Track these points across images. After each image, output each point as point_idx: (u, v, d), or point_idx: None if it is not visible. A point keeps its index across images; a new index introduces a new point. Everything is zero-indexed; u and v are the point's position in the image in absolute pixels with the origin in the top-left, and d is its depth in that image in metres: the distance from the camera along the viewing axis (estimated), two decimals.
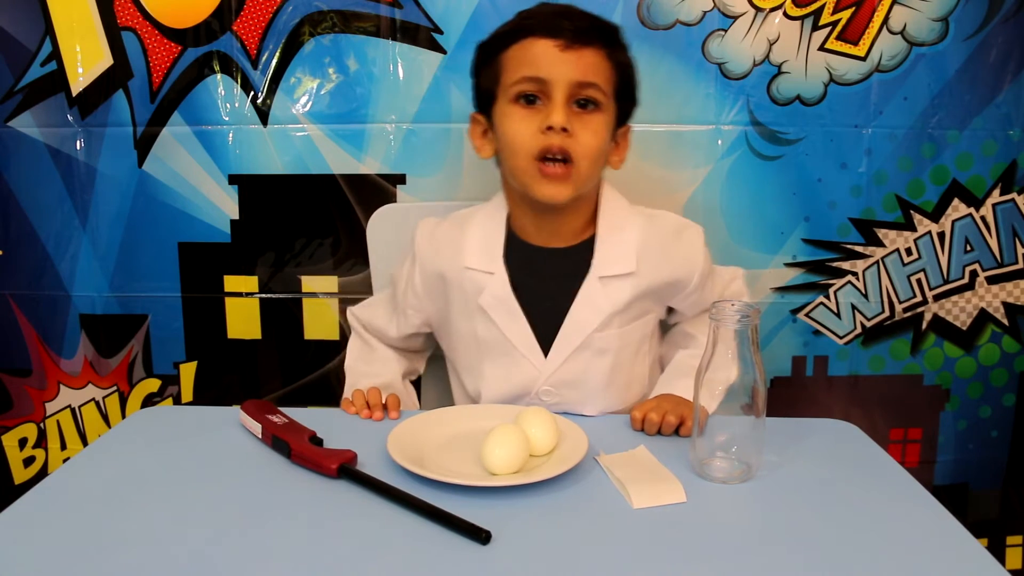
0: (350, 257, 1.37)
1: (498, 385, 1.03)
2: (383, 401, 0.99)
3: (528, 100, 0.95)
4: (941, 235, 1.36)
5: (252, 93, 1.32)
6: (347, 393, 1.06)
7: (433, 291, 1.06)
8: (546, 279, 1.01)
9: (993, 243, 1.37)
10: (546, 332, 1.01)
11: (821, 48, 1.28)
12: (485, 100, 1.01)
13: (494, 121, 0.99)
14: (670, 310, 1.11)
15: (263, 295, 1.39)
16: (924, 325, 1.39)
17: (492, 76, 0.98)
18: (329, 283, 1.38)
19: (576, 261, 1.01)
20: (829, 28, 1.27)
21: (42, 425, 1.46)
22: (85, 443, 1.46)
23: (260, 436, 0.87)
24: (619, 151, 1.03)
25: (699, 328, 1.08)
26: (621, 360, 1.02)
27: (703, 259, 1.04)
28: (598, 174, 1.00)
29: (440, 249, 1.05)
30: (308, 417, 0.89)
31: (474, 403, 1.07)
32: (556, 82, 0.93)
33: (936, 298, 1.38)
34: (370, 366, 1.12)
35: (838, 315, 1.38)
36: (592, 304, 0.99)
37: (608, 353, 1.01)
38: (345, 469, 0.78)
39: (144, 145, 1.33)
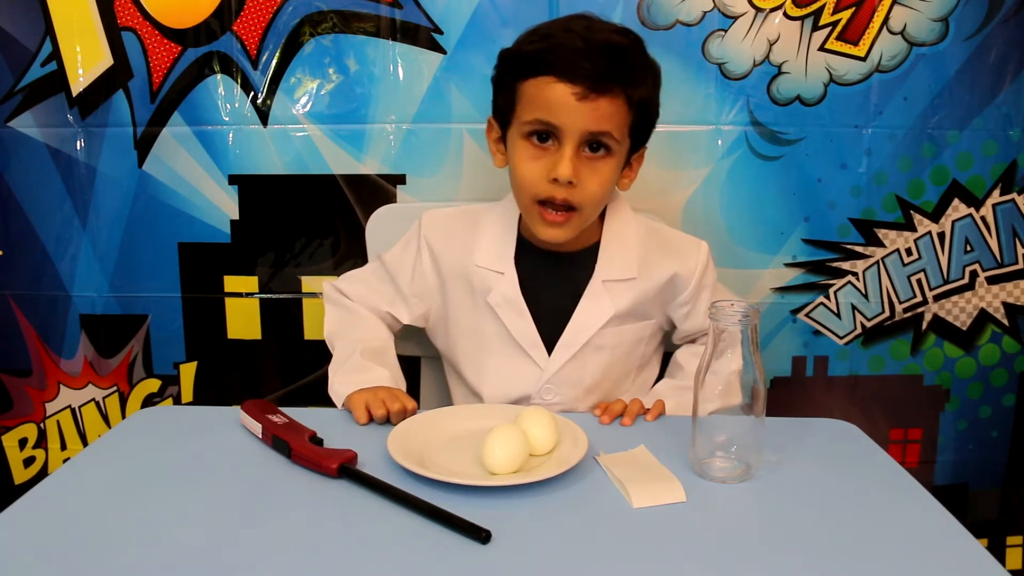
0: (350, 257, 1.37)
1: (501, 383, 1.05)
2: (389, 410, 0.93)
3: (540, 138, 0.95)
4: (941, 235, 1.36)
5: (252, 93, 1.32)
6: (341, 366, 1.01)
7: (443, 284, 1.07)
8: (552, 282, 1.04)
9: (993, 243, 1.37)
10: (547, 331, 1.03)
11: (821, 48, 1.28)
12: (500, 117, 1.01)
13: (507, 143, 1.00)
14: (674, 328, 1.12)
15: (263, 295, 1.39)
16: (924, 325, 1.39)
17: (507, 102, 0.98)
18: None
19: (581, 266, 1.04)
20: (829, 28, 1.27)
21: (42, 425, 1.46)
22: (85, 443, 1.46)
23: (260, 436, 0.87)
24: (630, 172, 1.04)
25: (689, 360, 1.10)
26: (616, 357, 1.06)
27: (704, 265, 1.06)
28: (601, 209, 1.02)
29: (452, 242, 1.06)
30: (308, 417, 0.89)
31: (475, 399, 1.08)
32: (568, 131, 0.92)
33: (936, 298, 1.38)
34: (359, 329, 1.08)
35: (838, 315, 1.38)
36: (596, 307, 1.02)
37: (605, 350, 1.04)
38: (345, 469, 0.78)
39: (144, 145, 1.33)
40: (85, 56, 1.31)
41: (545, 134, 0.95)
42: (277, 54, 1.30)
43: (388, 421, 0.92)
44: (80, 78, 1.32)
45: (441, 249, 1.07)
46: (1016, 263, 1.38)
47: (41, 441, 1.46)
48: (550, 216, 0.96)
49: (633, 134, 0.98)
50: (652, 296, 1.05)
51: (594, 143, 0.95)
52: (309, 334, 1.40)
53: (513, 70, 0.97)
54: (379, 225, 1.27)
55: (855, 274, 1.37)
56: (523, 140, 0.96)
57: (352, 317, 1.10)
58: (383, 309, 1.11)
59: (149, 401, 1.44)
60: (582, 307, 1.02)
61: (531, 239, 1.05)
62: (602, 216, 1.05)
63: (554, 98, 0.92)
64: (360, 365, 1.00)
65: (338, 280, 1.15)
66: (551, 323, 1.03)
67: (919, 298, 1.38)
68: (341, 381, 0.98)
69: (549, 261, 1.04)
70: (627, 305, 1.03)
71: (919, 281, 1.37)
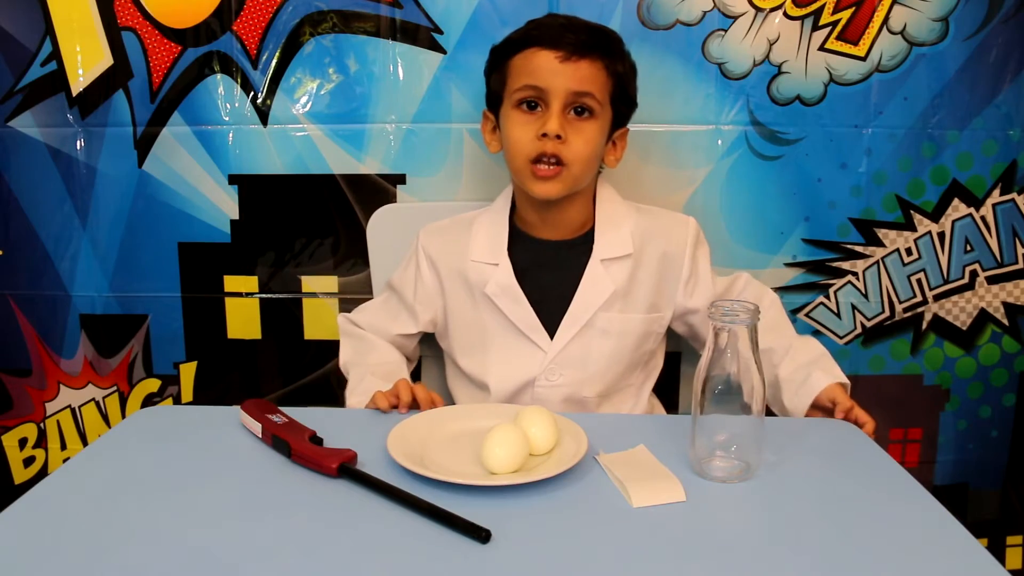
0: (350, 257, 1.37)
1: (505, 369, 1.08)
2: (411, 398, 0.97)
3: (529, 106, 1.03)
4: (941, 235, 1.36)
5: (252, 93, 1.32)
6: (355, 389, 1.05)
7: (442, 286, 1.12)
8: (550, 268, 1.08)
9: (993, 243, 1.37)
10: (551, 317, 1.07)
11: (821, 48, 1.28)
12: (494, 101, 1.08)
13: (500, 123, 1.07)
14: (685, 327, 1.14)
15: (263, 295, 1.39)
16: (924, 325, 1.39)
17: (500, 80, 1.06)
18: (329, 283, 1.38)
19: (578, 251, 1.08)
20: (829, 28, 1.27)
21: (42, 425, 1.46)
22: (85, 443, 1.46)
23: (260, 436, 0.87)
24: (615, 151, 1.10)
25: (771, 341, 1.06)
26: (623, 346, 1.08)
27: (694, 237, 1.10)
28: (591, 174, 1.07)
29: (448, 247, 1.12)
30: (308, 417, 0.89)
31: (480, 394, 1.11)
32: (554, 91, 1.01)
33: (936, 298, 1.38)
34: (372, 355, 1.12)
35: (838, 315, 1.38)
36: (596, 284, 1.06)
37: (610, 335, 1.07)
38: (345, 468, 0.78)
39: (144, 145, 1.34)
40: (85, 56, 1.31)
41: (533, 102, 1.02)
42: (277, 54, 1.30)
43: (415, 407, 0.95)
44: (80, 78, 1.32)
45: (438, 255, 1.12)
46: (1016, 263, 1.38)
47: (41, 441, 1.46)
48: (541, 171, 1.02)
49: (613, 104, 1.05)
50: (651, 275, 1.08)
51: (578, 107, 1.02)
52: (309, 334, 1.40)
53: (503, 52, 1.06)
54: (379, 225, 1.27)
55: (855, 274, 1.37)
56: (514, 110, 1.04)
57: (364, 345, 1.14)
58: (393, 332, 1.15)
59: (149, 401, 1.44)
60: (583, 286, 1.06)
61: (526, 230, 1.10)
62: (594, 205, 1.10)
63: (540, 64, 1.01)
64: (374, 384, 1.02)
65: (351, 313, 1.19)
66: (552, 309, 1.07)
67: (919, 298, 1.38)
68: (358, 401, 1.02)
69: (545, 249, 1.09)
70: (624, 281, 1.06)
71: (919, 281, 1.37)
